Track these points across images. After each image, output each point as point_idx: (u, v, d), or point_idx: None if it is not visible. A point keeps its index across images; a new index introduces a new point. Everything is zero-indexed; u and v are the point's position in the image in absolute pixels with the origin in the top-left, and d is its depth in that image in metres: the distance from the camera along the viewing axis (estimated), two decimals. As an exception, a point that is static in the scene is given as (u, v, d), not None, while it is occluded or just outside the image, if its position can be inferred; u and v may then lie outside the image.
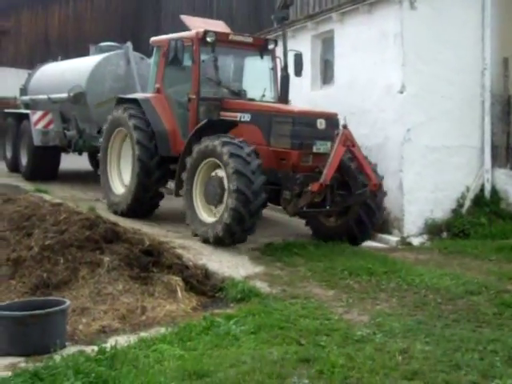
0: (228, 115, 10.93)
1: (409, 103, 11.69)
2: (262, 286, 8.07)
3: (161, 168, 11.39)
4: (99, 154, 12.68)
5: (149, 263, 8.10)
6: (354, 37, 12.62)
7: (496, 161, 12.50)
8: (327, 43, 13.76)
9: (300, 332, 6.37)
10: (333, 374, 5.26)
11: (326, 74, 14.00)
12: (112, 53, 15.60)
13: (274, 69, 11.81)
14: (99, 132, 14.42)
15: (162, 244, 8.84)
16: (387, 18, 11.78)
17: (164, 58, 11.43)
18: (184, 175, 10.25)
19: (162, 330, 6.59)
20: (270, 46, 11.72)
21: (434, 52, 11.78)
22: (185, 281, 8.07)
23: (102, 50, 16.33)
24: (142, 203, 11.67)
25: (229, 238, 9.51)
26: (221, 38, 11.09)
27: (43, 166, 16.27)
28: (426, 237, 11.93)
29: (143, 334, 6.40)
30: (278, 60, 11.73)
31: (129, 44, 15.47)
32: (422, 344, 6.01)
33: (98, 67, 15.19)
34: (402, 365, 5.49)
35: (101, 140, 12.79)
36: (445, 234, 11.99)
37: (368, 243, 11.07)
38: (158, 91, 11.75)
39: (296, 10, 14.52)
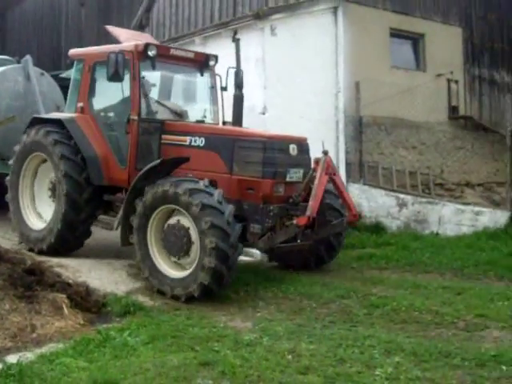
0: (172, 139, 9.79)
1: (270, 123, 12.40)
2: (144, 300, 8.34)
3: (91, 202, 10.14)
4: (7, 178, 11.16)
5: (32, 282, 8.16)
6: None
7: (350, 177, 13.52)
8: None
9: (192, 340, 6.72)
10: (234, 373, 5.67)
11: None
12: (9, 67, 13.99)
13: (214, 87, 10.85)
14: None
15: (41, 263, 8.90)
16: (250, 43, 12.46)
17: (89, 74, 10.36)
18: (134, 221, 8.89)
19: (58, 345, 6.69)
20: (211, 63, 10.69)
21: (293, 76, 12.62)
22: (69, 298, 8.19)
23: None
24: (67, 242, 10.26)
25: (204, 297, 8.29)
26: (161, 52, 9.97)
27: None
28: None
29: (41, 350, 6.51)
30: (217, 78, 10.80)
31: (28, 57, 13.95)
32: (306, 344, 6.54)
33: None
34: (293, 362, 6.00)
35: (10, 162, 11.21)
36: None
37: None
38: (81, 111, 10.42)
39: (163, 32, 14.91)
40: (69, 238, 10.14)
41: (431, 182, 15.06)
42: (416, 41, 15.62)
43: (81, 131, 10.20)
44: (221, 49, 13.04)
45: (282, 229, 9.04)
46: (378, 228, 13.20)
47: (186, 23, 15.33)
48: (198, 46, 13.60)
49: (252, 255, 12.03)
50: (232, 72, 10.69)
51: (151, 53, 9.72)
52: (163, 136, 9.84)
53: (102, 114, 10.40)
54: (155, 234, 8.82)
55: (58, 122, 10.41)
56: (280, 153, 9.06)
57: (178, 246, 8.54)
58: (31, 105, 13.50)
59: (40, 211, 10.82)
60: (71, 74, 11.26)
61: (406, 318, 7.41)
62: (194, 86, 10.98)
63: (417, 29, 15.41)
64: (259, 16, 12.17)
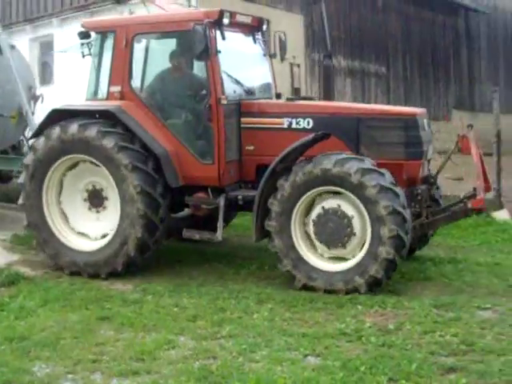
0: (258, 122, 8.50)
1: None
2: (25, 271, 8.80)
3: (166, 219, 8.49)
4: (21, 199, 8.87)
5: None
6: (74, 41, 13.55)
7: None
8: (46, 46, 14.50)
9: (83, 300, 7.37)
10: (132, 324, 6.47)
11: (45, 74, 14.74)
12: None
13: (266, 55, 9.47)
14: None
15: None
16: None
17: (128, 49, 8.58)
18: (275, 205, 7.67)
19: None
20: (264, 27, 9.33)
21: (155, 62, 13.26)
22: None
23: None
24: (147, 249, 8.47)
25: (370, 291, 7.35)
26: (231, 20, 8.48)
27: None
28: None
29: None
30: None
31: None
32: (187, 299, 7.39)
33: None
34: (181, 313, 6.86)
35: (21, 180, 8.92)
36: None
37: None
38: (121, 96, 8.60)
39: (17, 12, 14.97)
40: (148, 245, 8.43)
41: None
42: (262, 27, 16.75)
43: (138, 123, 8.40)
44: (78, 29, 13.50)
45: (448, 212, 8.31)
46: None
47: (34, 4, 15.45)
48: (56, 28, 13.92)
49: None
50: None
51: (226, 20, 8.25)
52: (242, 119, 8.55)
53: (159, 99, 8.77)
54: (300, 219, 7.75)
55: (92, 114, 8.57)
56: (422, 130, 8.16)
57: (336, 235, 7.53)
58: (4, 84, 11.56)
59: (80, 229, 8.84)
60: (75, 49, 9.77)
61: (270, 275, 8.45)
62: (250, 56, 9.40)
63: (263, 15, 16.49)
64: (119, 1, 12.71)
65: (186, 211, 9.26)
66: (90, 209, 8.80)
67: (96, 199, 8.75)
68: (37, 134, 8.87)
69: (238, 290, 7.66)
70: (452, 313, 6.66)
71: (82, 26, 9.09)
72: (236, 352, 5.70)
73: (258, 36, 9.28)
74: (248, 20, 9.00)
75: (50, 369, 5.46)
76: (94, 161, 8.45)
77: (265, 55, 9.40)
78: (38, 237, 8.80)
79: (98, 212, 8.76)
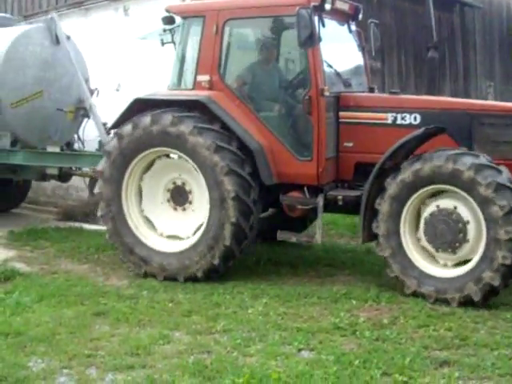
0: (358, 117, 7.90)
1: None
2: (21, 267, 8.84)
3: (255, 224, 7.92)
4: (97, 188, 8.52)
5: None
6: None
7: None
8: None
9: (78, 296, 7.37)
10: (127, 319, 6.50)
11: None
12: (32, 27, 11.16)
13: (360, 46, 8.88)
14: (14, 145, 10.92)
15: None
16: (103, 23, 12.98)
17: (219, 36, 7.97)
18: (382, 207, 7.07)
19: None
20: (360, 16, 8.69)
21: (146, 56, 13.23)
22: None
23: None
24: (233, 258, 7.94)
25: (486, 301, 6.73)
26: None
27: None
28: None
29: None
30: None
31: (54, 15, 11.21)
32: (182, 294, 7.41)
33: (16, 46, 10.61)
34: (176, 308, 6.88)
35: (100, 167, 8.46)
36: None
37: (88, 226, 11.79)
38: (210, 87, 8.02)
39: (12, 9, 14.96)
40: (222, 268, 7.92)
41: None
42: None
43: (230, 115, 7.84)
44: (74, 27, 13.49)
45: None
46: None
47: (29, 1, 15.40)
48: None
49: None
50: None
51: (328, 6, 7.63)
52: (340, 113, 7.98)
53: (252, 89, 8.23)
54: (410, 221, 7.14)
55: (180, 105, 7.91)
56: None
57: (448, 239, 6.90)
58: (60, 77, 11.12)
59: (169, 232, 8.28)
60: (155, 36, 9.41)
61: (265, 270, 8.47)
62: (345, 46, 8.89)
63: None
64: (113, -3, 12.73)
65: (270, 211, 8.86)
66: (175, 209, 8.26)
67: (180, 197, 8.22)
68: (117, 124, 8.29)
69: (233, 286, 7.68)
70: (446, 307, 6.70)
71: (167, 10, 8.46)
72: (230, 347, 5.71)
73: (353, 25, 8.72)
74: (346, 7, 8.36)
75: (46, 363, 5.47)
76: (182, 156, 7.89)
77: (359, 46, 8.83)
78: (121, 244, 8.27)
79: (184, 210, 8.22)
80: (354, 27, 8.69)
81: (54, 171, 11.06)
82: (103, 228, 11.71)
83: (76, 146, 12.08)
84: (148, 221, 8.34)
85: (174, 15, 8.44)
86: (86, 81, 11.29)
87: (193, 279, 7.81)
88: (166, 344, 5.83)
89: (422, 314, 6.48)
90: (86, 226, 11.62)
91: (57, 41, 10.94)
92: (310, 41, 7.34)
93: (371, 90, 8.83)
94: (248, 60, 8.45)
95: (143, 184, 8.29)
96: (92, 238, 10.54)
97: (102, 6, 13.07)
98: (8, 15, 12.52)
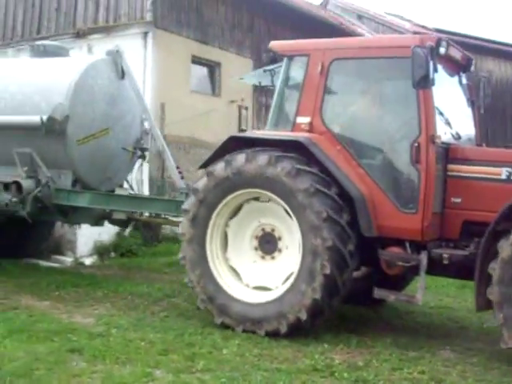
0: (467, 170, 7.29)
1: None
2: (-21, 301, 8.68)
3: (354, 257, 7.30)
4: (185, 235, 7.82)
5: None
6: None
7: (152, 190, 14.48)
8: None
9: (47, 332, 7.28)
10: (104, 357, 6.44)
11: None
12: (98, 59, 10.33)
13: (470, 98, 8.44)
14: (74, 185, 10.01)
15: None
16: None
17: (323, 76, 7.61)
18: (496, 271, 6.41)
19: None
20: (472, 68, 8.27)
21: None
22: None
23: (46, 53, 10.64)
24: (321, 314, 7.29)
25: None
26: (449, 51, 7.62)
27: None
28: (95, 257, 13.29)
29: None
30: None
31: (119, 48, 10.44)
32: (153, 333, 7.39)
33: (85, 78, 9.78)
34: (150, 347, 6.85)
35: (186, 206, 7.86)
36: (113, 254, 13.51)
37: (44, 263, 11.82)
38: (309, 129, 7.59)
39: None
40: (309, 324, 7.30)
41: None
42: (213, 68, 17.13)
43: (331, 160, 7.37)
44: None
45: None
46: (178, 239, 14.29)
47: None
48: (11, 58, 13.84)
49: (62, 262, 12.54)
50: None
51: (442, 50, 7.32)
52: (448, 166, 7.41)
53: (355, 133, 7.76)
54: None
55: (277, 145, 7.46)
56: None
57: None
58: (124, 114, 10.37)
59: (242, 275, 7.84)
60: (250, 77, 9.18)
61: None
62: (455, 96, 8.32)
63: (214, 57, 16.90)
64: (79, 35, 12.79)
65: (362, 270, 8.25)
66: (263, 258, 7.79)
67: (268, 244, 7.75)
68: (208, 162, 7.87)
69: (202, 326, 7.72)
70: (414, 352, 6.94)
71: (270, 48, 8.15)
72: (216, 386, 5.77)
73: (464, 77, 8.29)
74: (458, 55, 7.92)
75: (29, 400, 5.42)
76: (275, 198, 7.41)
77: (469, 100, 8.37)
78: (203, 291, 7.75)
79: (273, 258, 7.74)
80: (464, 80, 8.30)
81: (122, 216, 10.24)
82: (59, 265, 11.82)
83: (125, 185, 11.21)
84: (233, 270, 7.85)
85: (277, 54, 8.16)
86: (145, 119, 10.72)
87: (275, 334, 7.23)
88: (150, 382, 5.84)
89: (394, 358, 6.72)
90: (43, 263, 11.46)
91: (122, 75, 10.29)
92: (424, 81, 6.92)
93: (479, 146, 8.33)
94: (352, 103, 8.06)
95: (229, 230, 7.85)
96: (50, 274, 10.46)
97: (65, 43, 13.06)
98: (59, 44, 11.52)
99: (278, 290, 7.46)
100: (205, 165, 7.94)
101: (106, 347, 6.77)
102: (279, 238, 7.69)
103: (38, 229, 11.48)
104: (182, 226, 7.90)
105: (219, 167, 7.60)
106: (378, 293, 7.38)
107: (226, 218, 7.79)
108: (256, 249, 7.82)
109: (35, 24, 16.56)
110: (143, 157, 10.96)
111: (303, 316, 7.13)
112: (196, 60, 16.32)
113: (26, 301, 8.93)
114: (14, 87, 10.00)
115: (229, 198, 7.64)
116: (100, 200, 9.96)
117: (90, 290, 9.66)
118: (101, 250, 13.37)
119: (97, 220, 10.46)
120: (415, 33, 22.18)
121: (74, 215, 10.27)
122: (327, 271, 7.01)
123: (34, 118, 9.42)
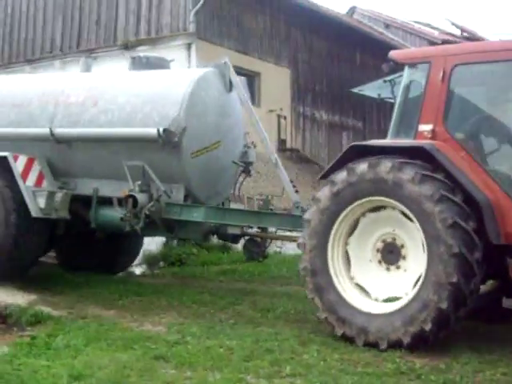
0: None
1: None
2: (48, 310, 8.76)
3: (481, 266, 7.06)
4: (306, 245, 7.72)
5: None
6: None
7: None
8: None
9: (124, 341, 7.36)
10: (191, 364, 6.51)
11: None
12: (207, 71, 10.21)
13: None
14: (185, 199, 9.87)
15: None
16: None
17: (445, 83, 7.53)
18: None
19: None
20: None
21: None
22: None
23: (149, 65, 10.68)
24: (446, 325, 7.05)
25: None
26: None
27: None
28: (145, 266, 13.47)
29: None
30: None
31: (227, 60, 10.41)
32: (228, 340, 7.43)
33: (198, 90, 9.73)
34: (230, 354, 6.89)
35: (308, 215, 7.80)
36: (161, 264, 13.66)
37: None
38: (432, 136, 7.50)
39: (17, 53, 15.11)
40: (432, 336, 7.06)
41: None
42: (253, 78, 17.28)
43: (456, 166, 7.23)
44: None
45: None
46: (225, 247, 14.42)
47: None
48: (58, 70, 14.08)
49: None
50: None
51: None
52: None
53: (480, 140, 7.81)
54: None
55: (400, 152, 7.36)
56: None
57: None
58: (233, 126, 10.32)
59: (370, 291, 7.63)
60: (371, 89, 9.16)
61: (300, 319, 8.65)
62: None
63: (254, 68, 17.05)
64: (127, 47, 12.97)
65: (489, 285, 8.08)
66: (388, 269, 7.63)
67: (391, 254, 7.60)
68: (330, 171, 7.82)
69: (275, 333, 7.78)
70: (490, 355, 7.00)
71: (390, 57, 8.05)
72: (314, 390, 5.83)
73: None
74: None
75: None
76: (400, 208, 7.33)
77: None
78: (323, 299, 7.62)
79: (397, 268, 7.57)
80: None
81: (236, 231, 10.13)
82: (119, 275, 11.97)
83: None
84: (360, 287, 7.66)
85: (397, 63, 8.03)
86: (248, 133, 10.77)
87: (398, 345, 7.02)
88: (247, 387, 5.92)
89: (473, 361, 6.73)
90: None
91: (230, 87, 10.26)
92: None
93: None
94: (476, 109, 7.97)
95: (349, 248, 7.71)
96: (110, 284, 10.56)
97: (114, 55, 13.31)
98: (160, 56, 11.44)
99: (407, 296, 7.25)
100: (325, 175, 7.89)
101: (188, 354, 6.84)
102: (402, 246, 7.53)
103: (129, 244, 11.70)
104: (303, 236, 7.83)
105: (341, 175, 7.53)
106: (507, 303, 7.34)
107: (346, 233, 7.67)
108: (380, 262, 7.66)
109: (75, 37, 16.82)
110: (248, 171, 10.71)
111: (427, 327, 6.92)
112: (237, 70, 16.41)
113: (92, 310, 9.05)
114: (123, 99, 9.91)
115: (350, 207, 7.54)
116: (215, 214, 9.80)
117: (153, 298, 9.78)
118: (150, 260, 13.59)
119: (205, 235, 10.29)
120: (444, 41, 22.22)
121: (182, 230, 10.09)
122: (453, 279, 6.81)
123: (150, 130, 9.34)
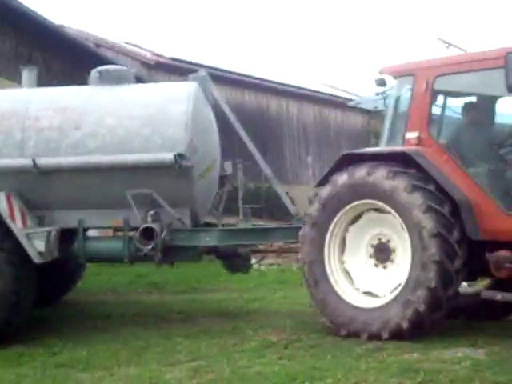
0: None
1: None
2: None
3: (460, 274, 7.81)
4: (301, 231, 8.55)
5: None
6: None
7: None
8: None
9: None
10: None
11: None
12: (194, 85, 9.68)
13: None
14: (197, 224, 9.53)
15: None
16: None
17: (427, 93, 8.30)
18: None
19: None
20: None
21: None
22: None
23: (118, 78, 9.74)
24: (421, 327, 7.89)
25: None
26: None
27: None
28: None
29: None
30: None
31: (204, 73, 9.97)
32: (310, 362, 7.38)
33: (198, 108, 9.40)
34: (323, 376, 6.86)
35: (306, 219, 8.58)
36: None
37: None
38: (418, 143, 8.27)
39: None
40: (428, 320, 7.94)
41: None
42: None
43: (434, 166, 7.99)
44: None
45: None
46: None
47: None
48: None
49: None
50: None
51: None
52: None
53: (460, 145, 8.48)
54: None
55: (385, 158, 8.17)
56: None
57: None
58: (217, 140, 10.07)
59: (354, 278, 8.51)
60: (366, 102, 9.69)
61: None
62: None
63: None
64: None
65: (486, 284, 8.87)
66: (375, 265, 8.45)
67: (382, 253, 8.36)
68: (322, 182, 8.61)
69: (332, 347, 7.88)
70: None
71: (380, 72, 8.88)
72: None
73: None
74: None
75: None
76: (381, 205, 8.10)
77: None
78: (316, 294, 8.46)
79: (384, 268, 8.36)
80: None
81: (247, 249, 9.96)
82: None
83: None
84: (346, 272, 8.48)
85: (386, 76, 8.86)
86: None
87: (377, 338, 7.86)
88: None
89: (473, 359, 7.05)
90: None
91: (213, 101, 10.00)
92: None
93: None
94: (457, 116, 8.71)
95: (348, 235, 8.49)
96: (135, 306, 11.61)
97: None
98: (118, 66, 10.90)
99: (385, 298, 8.10)
100: (321, 182, 8.68)
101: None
102: (393, 250, 8.30)
103: (65, 273, 10.89)
104: (303, 230, 8.58)
105: (342, 177, 8.31)
106: (484, 293, 8.04)
107: (345, 225, 8.46)
108: (371, 256, 8.45)
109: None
110: (224, 185, 10.52)
111: (404, 325, 7.74)
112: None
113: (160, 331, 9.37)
114: (111, 120, 9.17)
115: (349, 206, 8.32)
116: (228, 236, 9.62)
117: (184, 324, 10.05)
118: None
119: (197, 256, 9.89)
120: (157, 62, 22.80)
121: (174, 254, 9.53)
122: (432, 285, 7.59)
123: (166, 156, 8.89)
